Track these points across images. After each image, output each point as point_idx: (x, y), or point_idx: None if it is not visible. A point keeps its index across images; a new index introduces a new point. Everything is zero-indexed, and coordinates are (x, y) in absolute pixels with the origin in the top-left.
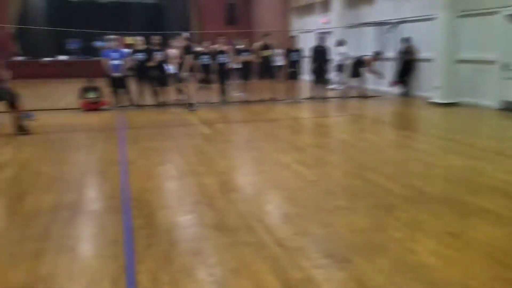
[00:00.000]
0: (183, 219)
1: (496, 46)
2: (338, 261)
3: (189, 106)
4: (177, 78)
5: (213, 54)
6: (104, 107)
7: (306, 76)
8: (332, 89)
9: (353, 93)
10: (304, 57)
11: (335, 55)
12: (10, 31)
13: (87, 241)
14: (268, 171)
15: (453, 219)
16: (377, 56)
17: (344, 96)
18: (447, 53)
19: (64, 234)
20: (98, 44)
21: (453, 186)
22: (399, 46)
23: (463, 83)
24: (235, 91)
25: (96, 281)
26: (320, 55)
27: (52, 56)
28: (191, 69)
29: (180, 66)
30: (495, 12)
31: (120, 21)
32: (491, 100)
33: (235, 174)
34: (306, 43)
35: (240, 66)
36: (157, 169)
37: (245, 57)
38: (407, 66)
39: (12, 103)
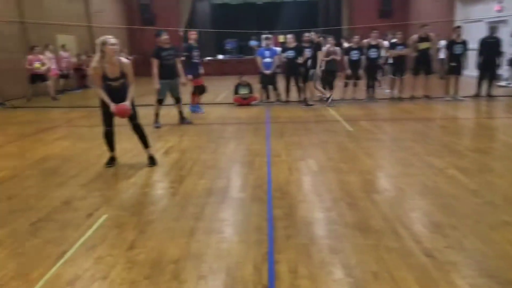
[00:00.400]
0: (323, 215)
1: None
2: (500, 282)
3: (327, 101)
4: (311, 75)
5: (364, 49)
6: (253, 102)
7: (471, 71)
8: (503, 86)
9: None
10: (470, 49)
11: (509, 47)
12: (181, 34)
13: (234, 225)
14: (418, 174)
15: None
16: None
17: None
18: None
19: (215, 216)
20: (252, 43)
21: None
22: None
23: None
24: (385, 88)
25: (240, 264)
26: (490, 47)
27: (213, 56)
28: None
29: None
30: None
31: (274, 20)
32: None
33: (380, 174)
34: (473, 34)
35: (392, 61)
36: (299, 163)
37: (398, 51)
38: None
39: (178, 97)
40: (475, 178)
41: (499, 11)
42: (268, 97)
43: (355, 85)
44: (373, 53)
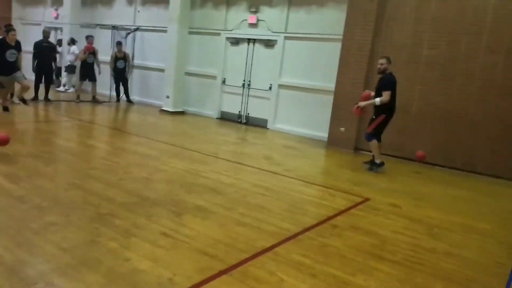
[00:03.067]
0: None
1: (218, 63)
2: None
3: None
4: None
5: None
6: None
7: (30, 75)
8: (61, 92)
9: (87, 97)
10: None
11: (68, 54)
12: None
13: None
14: None
15: (168, 220)
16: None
17: (73, 100)
18: (177, 65)
19: None
20: None
21: (173, 188)
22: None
23: (189, 93)
24: None
25: None
26: (45, 51)
27: None
28: None
29: None
30: (218, 34)
31: None
32: (212, 110)
33: None
34: (30, 37)
35: None
36: None
37: None
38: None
39: None
40: (24, 183)
41: (56, 18)
42: None
43: None
44: None
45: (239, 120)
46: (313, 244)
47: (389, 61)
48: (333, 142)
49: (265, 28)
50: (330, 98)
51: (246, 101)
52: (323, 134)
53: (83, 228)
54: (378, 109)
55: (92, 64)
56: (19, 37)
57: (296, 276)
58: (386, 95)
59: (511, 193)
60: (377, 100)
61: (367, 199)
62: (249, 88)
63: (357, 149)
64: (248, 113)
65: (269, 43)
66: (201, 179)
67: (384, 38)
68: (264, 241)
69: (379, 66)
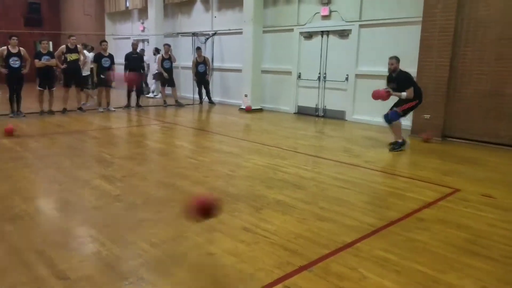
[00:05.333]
0: None
1: (292, 58)
2: (131, 282)
3: None
4: None
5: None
6: None
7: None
8: (150, 98)
9: (169, 101)
10: (117, 63)
11: (153, 63)
12: None
13: None
14: (63, 190)
15: (249, 215)
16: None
17: (161, 105)
18: (253, 64)
19: None
20: None
21: (253, 183)
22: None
23: (266, 90)
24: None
25: None
26: (134, 62)
27: None
28: None
29: None
30: (291, 30)
31: None
32: (288, 106)
33: (17, 198)
34: (121, 50)
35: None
36: None
37: (45, 61)
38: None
39: None
40: (119, 183)
41: (142, 31)
42: None
43: None
44: (15, 62)
45: (316, 113)
46: (397, 239)
47: (397, 60)
48: (417, 130)
49: (338, 18)
50: None
51: (323, 94)
52: (406, 123)
53: (172, 224)
54: (405, 100)
55: (170, 70)
56: (111, 51)
57: (380, 273)
58: (410, 92)
59: None
60: (403, 94)
61: (457, 190)
62: (325, 81)
63: (445, 136)
64: (325, 106)
65: (343, 34)
66: (281, 174)
67: (469, 16)
68: (345, 236)
69: (389, 66)
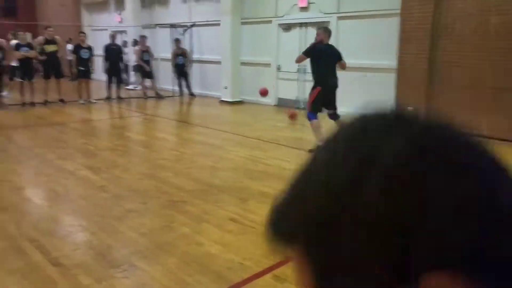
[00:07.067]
0: None
1: (271, 50)
2: (125, 269)
3: None
4: None
5: None
6: None
7: (100, 75)
8: (131, 89)
9: (149, 93)
10: (96, 55)
11: (132, 54)
12: None
13: None
14: (48, 181)
15: (235, 206)
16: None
17: (141, 96)
18: (232, 56)
19: None
20: None
21: (237, 175)
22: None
23: (246, 83)
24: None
25: None
26: (114, 53)
27: None
28: None
29: None
30: (270, 21)
31: None
32: (269, 98)
33: (3, 189)
34: (98, 41)
35: (19, 63)
36: None
37: (24, 52)
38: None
39: None
40: (104, 174)
41: (120, 22)
42: None
43: None
44: None
45: (296, 106)
46: None
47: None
48: None
49: (316, 10)
50: (392, 76)
51: (303, 86)
52: None
53: (159, 214)
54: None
55: (148, 62)
56: (90, 42)
57: None
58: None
59: None
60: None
61: None
62: (305, 73)
63: None
64: (305, 98)
65: (321, 26)
66: (263, 166)
67: (447, 8)
68: None
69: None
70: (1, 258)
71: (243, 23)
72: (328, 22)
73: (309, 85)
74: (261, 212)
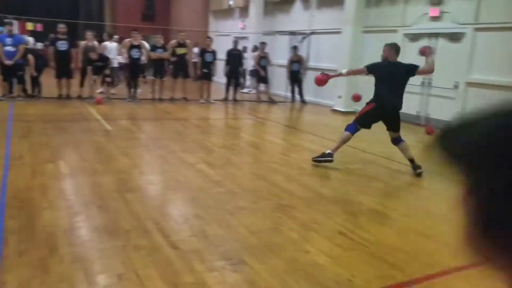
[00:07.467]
0: (69, 221)
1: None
2: (234, 263)
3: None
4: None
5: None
6: None
7: (220, 78)
8: (246, 93)
9: (263, 97)
10: (218, 59)
11: (250, 60)
12: None
13: None
14: (171, 170)
15: (344, 220)
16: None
17: (255, 100)
18: (350, 65)
19: None
20: None
21: (347, 188)
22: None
23: (362, 93)
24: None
25: None
26: (234, 58)
27: None
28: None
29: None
30: (395, 31)
31: (24, 4)
32: None
33: (135, 173)
34: (222, 46)
35: (153, 63)
36: (46, 165)
37: (159, 54)
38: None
39: None
40: (219, 170)
41: (242, 28)
42: (11, 91)
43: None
44: (135, 53)
45: (417, 121)
46: None
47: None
48: None
49: (449, 20)
50: None
51: (426, 101)
52: None
53: (268, 216)
54: None
55: (265, 67)
56: (214, 47)
57: None
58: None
59: None
60: (344, 71)
61: None
62: (429, 87)
63: None
64: (428, 114)
65: (454, 37)
66: (376, 182)
67: None
68: (454, 258)
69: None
70: (130, 234)
71: (365, 32)
72: (462, 33)
73: (434, 100)
74: (373, 231)
